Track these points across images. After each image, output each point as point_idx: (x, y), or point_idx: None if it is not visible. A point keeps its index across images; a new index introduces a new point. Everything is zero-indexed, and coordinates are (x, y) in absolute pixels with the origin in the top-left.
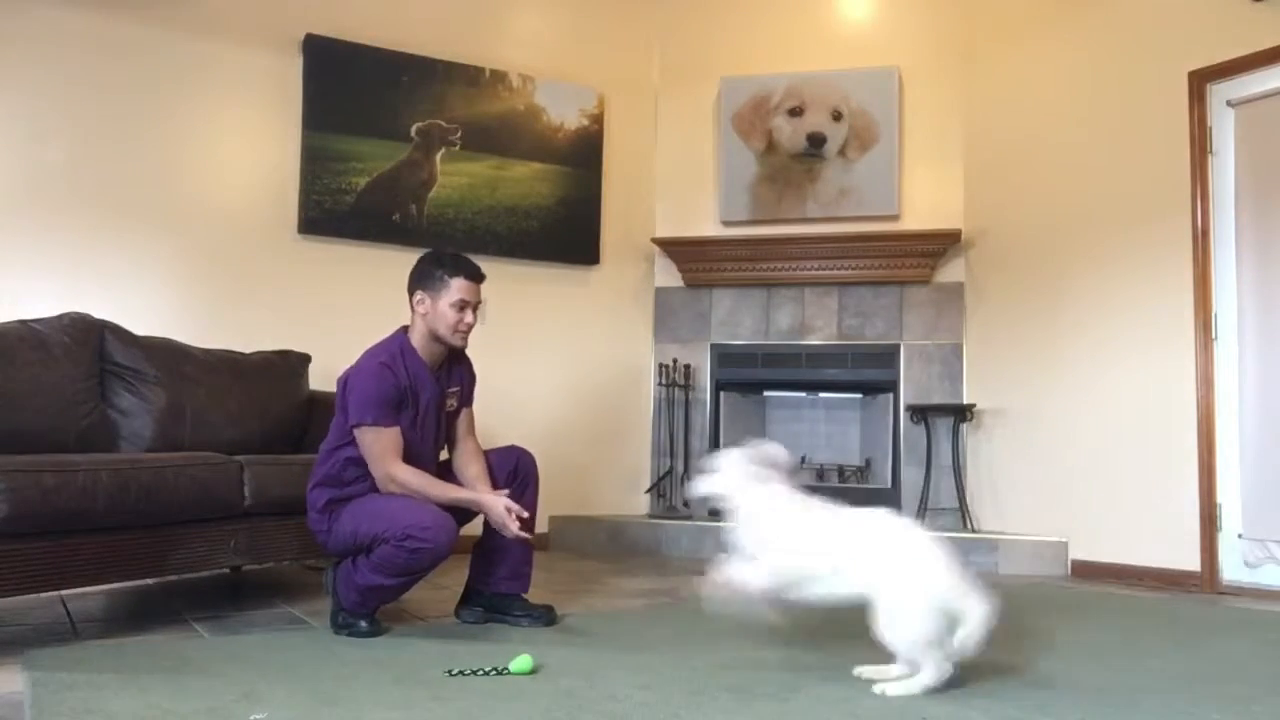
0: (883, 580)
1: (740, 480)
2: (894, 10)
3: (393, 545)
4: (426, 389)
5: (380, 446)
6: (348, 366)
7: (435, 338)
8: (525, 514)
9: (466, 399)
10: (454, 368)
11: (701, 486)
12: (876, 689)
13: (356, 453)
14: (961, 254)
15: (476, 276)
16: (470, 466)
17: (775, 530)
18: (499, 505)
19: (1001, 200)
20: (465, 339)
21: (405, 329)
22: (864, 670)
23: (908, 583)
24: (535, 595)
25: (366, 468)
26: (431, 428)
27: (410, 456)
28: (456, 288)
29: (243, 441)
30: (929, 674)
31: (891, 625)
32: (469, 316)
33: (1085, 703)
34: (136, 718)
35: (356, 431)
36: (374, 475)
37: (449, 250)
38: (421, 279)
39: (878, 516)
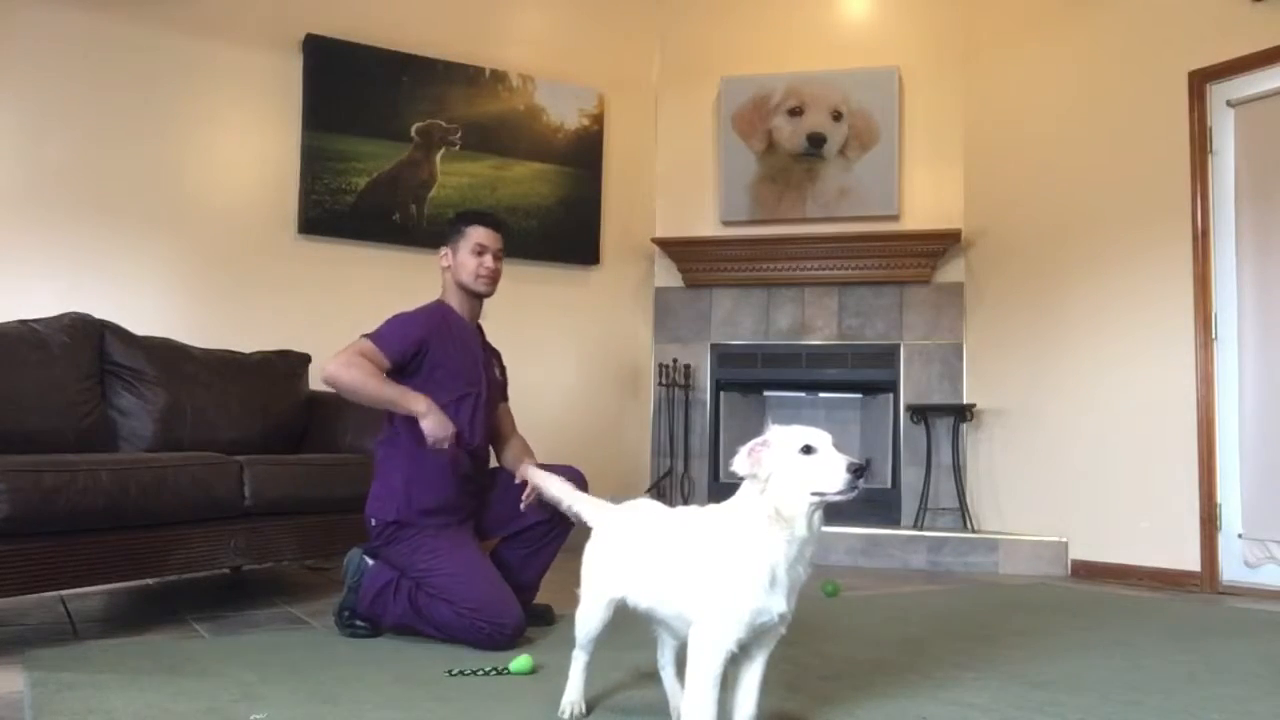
0: None
1: None
2: (894, 10)
3: (464, 618)
4: (465, 337)
5: (359, 347)
6: None
7: (462, 288)
8: (452, 437)
9: (503, 392)
10: (489, 346)
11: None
12: None
13: (406, 427)
14: (961, 254)
15: (493, 224)
16: (512, 450)
17: None
18: (438, 416)
19: (1001, 200)
20: (489, 285)
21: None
22: None
23: None
24: (538, 599)
25: (411, 424)
26: (477, 367)
27: (459, 402)
28: (473, 234)
29: (243, 441)
30: None
31: None
32: (489, 261)
33: (1085, 703)
34: (136, 718)
35: (360, 339)
36: (333, 362)
37: (473, 207)
38: (446, 237)
39: None
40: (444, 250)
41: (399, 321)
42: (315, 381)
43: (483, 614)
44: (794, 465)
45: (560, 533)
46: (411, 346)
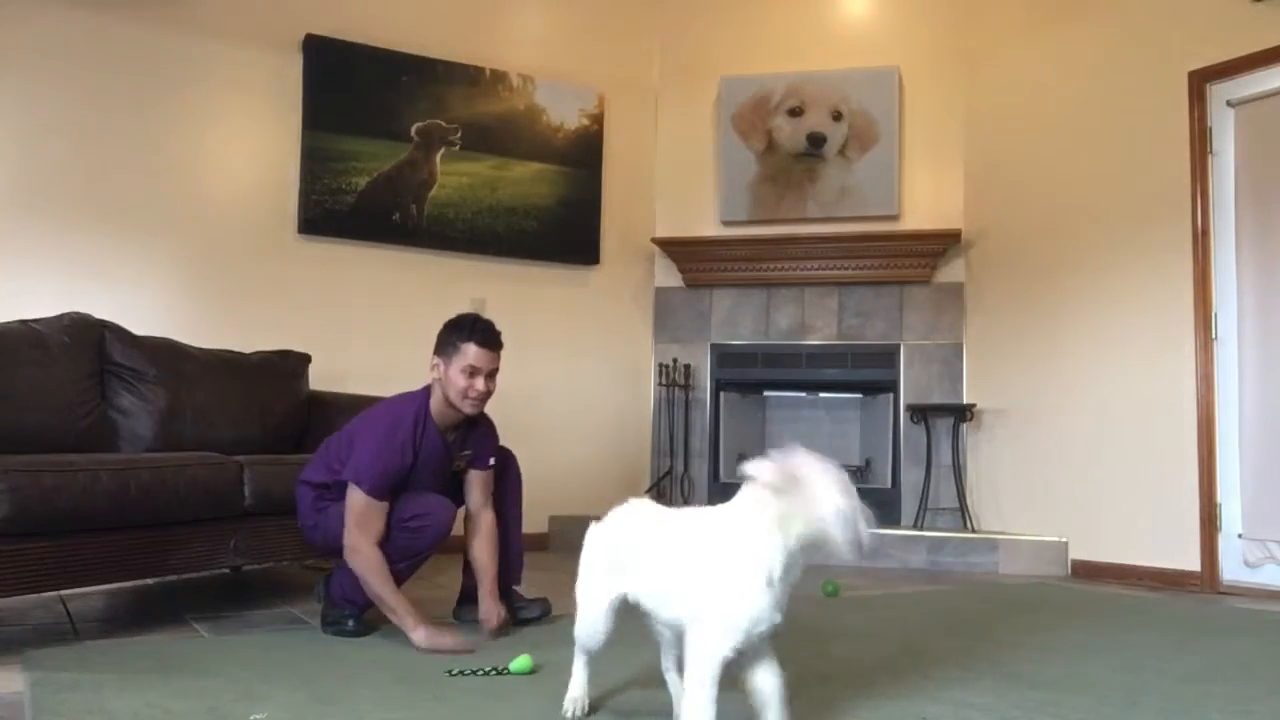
0: None
1: None
2: (894, 10)
3: (394, 529)
4: (435, 453)
5: (362, 513)
6: (371, 408)
7: (448, 403)
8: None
9: (482, 462)
10: (472, 431)
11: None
12: None
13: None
14: (961, 254)
15: (490, 344)
16: (481, 555)
17: None
18: (420, 642)
19: (1001, 200)
20: (477, 406)
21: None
22: None
23: None
24: (535, 594)
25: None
26: (434, 476)
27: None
28: (466, 353)
29: (243, 441)
30: None
31: None
32: (479, 384)
33: (1085, 703)
34: (136, 718)
35: (349, 486)
36: (345, 531)
37: (473, 316)
38: (440, 344)
39: None
40: (436, 359)
41: (377, 459)
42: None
43: (403, 511)
44: (822, 496)
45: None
46: (395, 481)
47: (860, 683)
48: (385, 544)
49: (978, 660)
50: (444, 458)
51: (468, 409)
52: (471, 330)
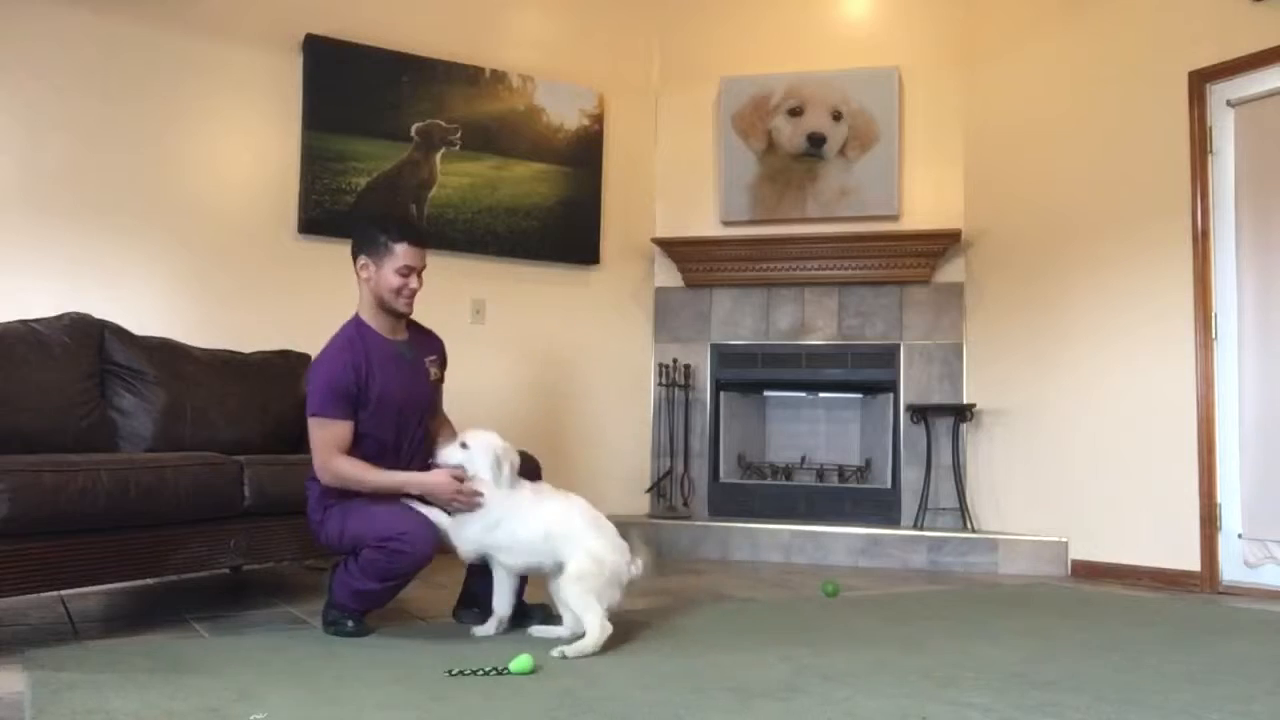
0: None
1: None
2: (894, 10)
3: (373, 549)
4: (391, 360)
5: (321, 439)
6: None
7: (382, 305)
8: (474, 490)
9: (441, 365)
10: (424, 337)
11: (452, 458)
12: (554, 652)
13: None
14: (961, 254)
15: (422, 240)
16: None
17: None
18: (441, 481)
19: (1001, 200)
20: (410, 305)
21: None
22: (535, 630)
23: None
24: (533, 595)
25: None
26: (406, 390)
27: (387, 449)
28: (400, 253)
29: (243, 441)
30: (593, 637)
31: (571, 590)
32: (414, 282)
33: (1085, 703)
34: (136, 718)
35: (309, 421)
36: (314, 465)
37: (393, 215)
38: (365, 243)
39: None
40: (364, 259)
41: (325, 379)
42: None
43: (380, 532)
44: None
45: None
46: (351, 395)
47: (860, 683)
48: (361, 562)
49: (977, 660)
50: (404, 363)
51: (402, 307)
52: (401, 230)
